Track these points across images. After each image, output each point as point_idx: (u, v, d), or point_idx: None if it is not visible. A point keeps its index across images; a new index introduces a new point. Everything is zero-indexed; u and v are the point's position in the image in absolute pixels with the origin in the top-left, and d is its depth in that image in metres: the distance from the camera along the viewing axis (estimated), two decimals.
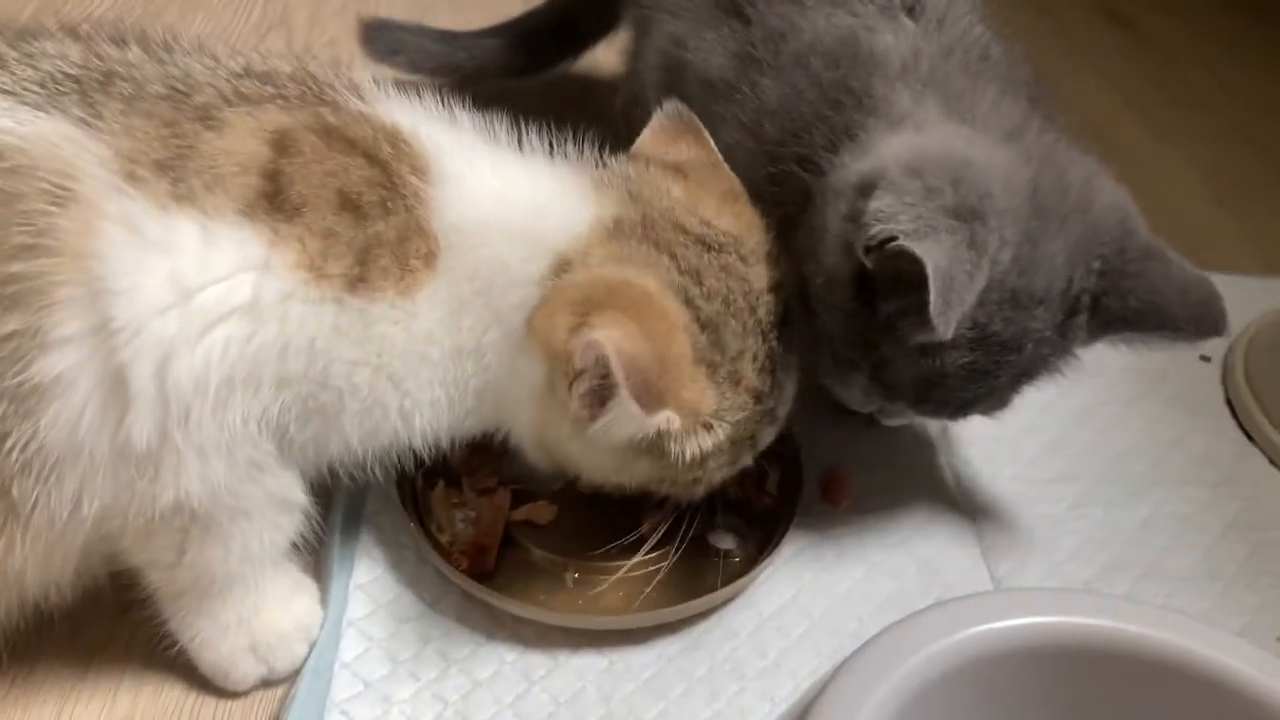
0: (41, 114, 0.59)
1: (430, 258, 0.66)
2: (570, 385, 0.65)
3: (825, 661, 0.77)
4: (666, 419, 0.65)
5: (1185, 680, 0.62)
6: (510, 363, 0.69)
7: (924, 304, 0.64)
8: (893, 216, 0.66)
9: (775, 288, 0.74)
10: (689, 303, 0.68)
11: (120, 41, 0.67)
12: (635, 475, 0.72)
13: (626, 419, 0.65)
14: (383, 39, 1.31)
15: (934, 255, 0.65)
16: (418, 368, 0.68)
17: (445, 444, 0.73)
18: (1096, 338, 0.76)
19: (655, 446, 0.68)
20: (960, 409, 0.77)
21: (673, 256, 0.69)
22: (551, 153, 0.74)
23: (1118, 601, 0.70)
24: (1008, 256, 0.70)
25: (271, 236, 0.61)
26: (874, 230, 0.67)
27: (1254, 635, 0.82)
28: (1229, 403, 1.05)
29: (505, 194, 0.69)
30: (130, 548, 0.67)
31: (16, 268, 0.56)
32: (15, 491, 0.59)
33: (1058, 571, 0.86)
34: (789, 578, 0.83)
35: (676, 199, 0.73)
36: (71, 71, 0.63)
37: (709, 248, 0.71)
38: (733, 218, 0.74)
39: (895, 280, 0.68)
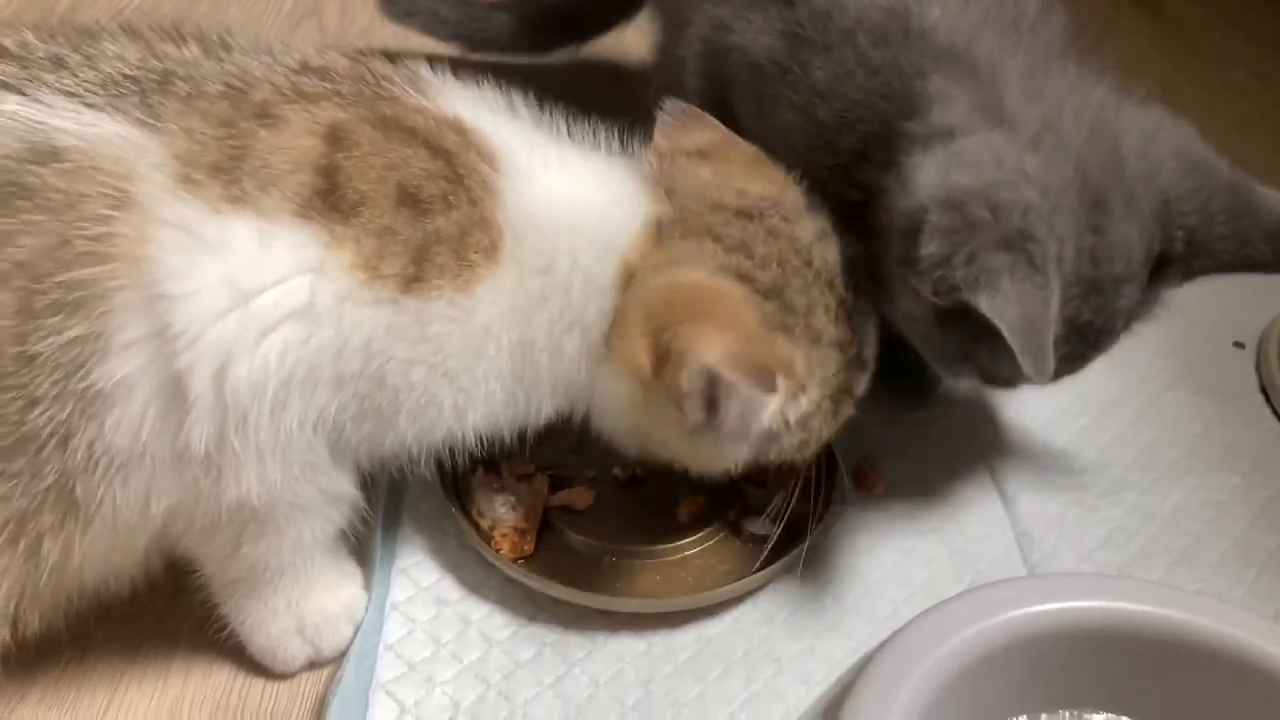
0: (102, 115, 0.60)
1: (492, 250, 0.66)
2: (680, 405, 0.66)
3: (860, 646, 0.77)
4: (778, 394, 0.67)
5: (1223, 665, 0.63)
6: (593, 368, 0.70)
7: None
8: (946, 263, 0.65)
9: (822, 236, 0.74)
10: (744, 277, 0.69)
11: (178, 40, 0.67)
12: (741, 457, 0.73)
13: (752, 407, 0.66)
14: (397, 1, 1.33)
15: (1003, 309, 0.63)
16: (473, 364, 0.68)
17: (507, 436, 0.74)
18: (1184, 283, 0.76)
19: (756, 431, 0.69)
20: (1071, 373, 0.76)
21: (716, 239, 0.70)
22: (608, 149, 0.75)
23: (1150, 586, 0.71)
24: (1071, 252, 0.69)
25: (327, 237, 0.61)
26: (934, 278, 0.66)
27: None
28: (1263, 390, 1.04)
29: (577, 193, 0.70)
30: (191, 542, 0.68)
31: (79, 273, 0.57)
32: (79, 490, 0.60)
33: (1090, 558, 0.86)
34: (824, 564, 0.84)
35: (707, 180, 0.74)
36: (131, 72, 0.63)
37: (750, 217, 0.72)
38: (764, 181, 0.75)
39: (974, 318, 0.66)
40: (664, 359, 0.65)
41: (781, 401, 0.67)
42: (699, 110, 0.80)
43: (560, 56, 1.38)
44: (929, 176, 0.70)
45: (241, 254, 0.60)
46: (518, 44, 1.34)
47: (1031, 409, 0.99)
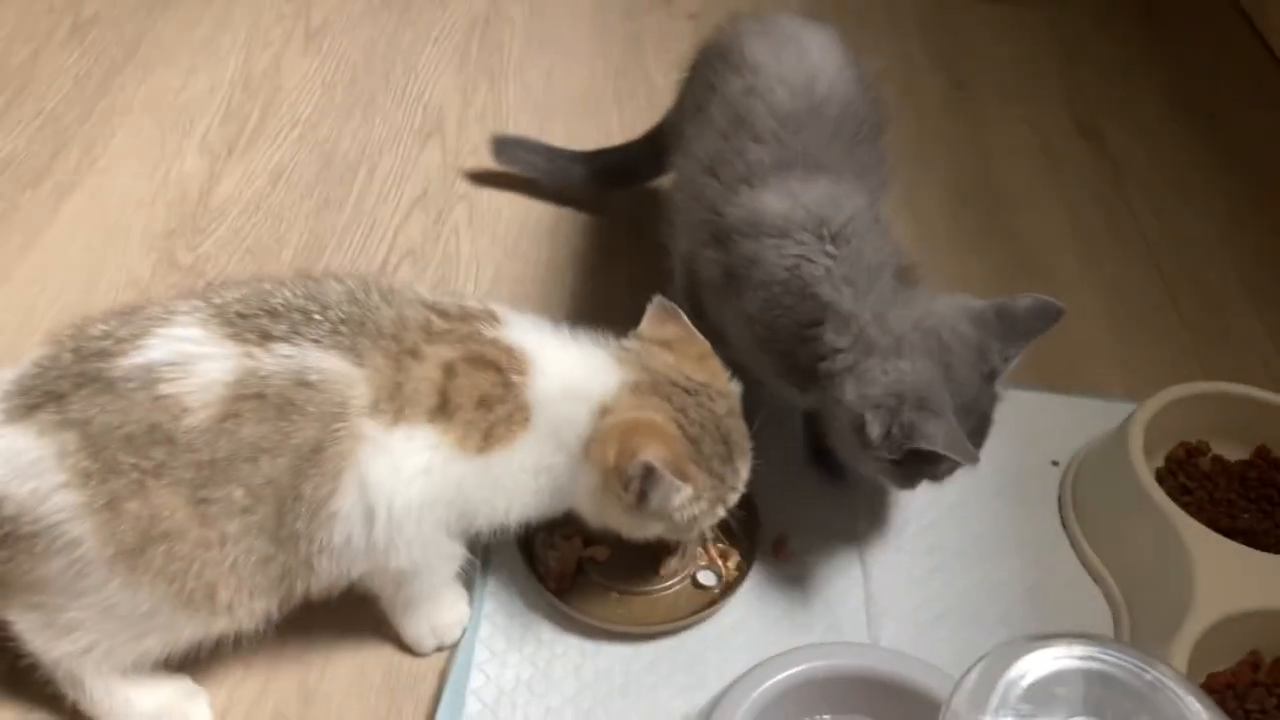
0: (329, 354, 1.00)
1: (525, 421, 1.07)
2: (625, 488, 1.06)
3: (754, 659, 1.14)
4: (689, 488, 1.07)
5: (915, 696, 1.13)
6: (571, 473, 1.10)
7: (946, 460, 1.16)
8: (888, 436, 1.14)
9: (730, 412, 1.14)
10: (680, 427, 1.09)
11: (367, 289, 1.08)
12: (653, 531, 1.14)
13: (668, 493, 1.06)
14: (505, 150, 1.87)
15: (934, 440, 1.10)
16: (514, 484, 1.09)
17: (531, 522, 1.16)
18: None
19: (666, 513, 1.09)
20: (978, 449, 1.19)
21: (669, 400, 1.10)
22: (593, 340, 1.15)
23: (879, 650, 1.22)
24: (948, 398, 1.16)
25: (441, 429, 1.03)
26: (886, 447, 1.14)
27: None
28: (1060, 500, 1.41)
29: (570, 374, 1.10)
30: (373, 585, 1.18)
31: (325, 452, 1.03)
32: (315, 564, 1.04)
33: (911, 615, 1.28)
34: (741, 606, 1.28)
35: (668, 363, 1.13)
36: (343, 316, 1.03)
37: (690, 393, 1.11)
38: (705, 372, 1.15)
39: (920, 454, 1.14)
40: (623, 456, 1.03)
41: (685, 500, 1.07)
42: (674, 307, 1.18)
43: (618, 194, 1.89)
44: (853, 395, 1.19)
45: (397, 447, 1.02)
46: (589, 185, 1.86)
47: (900, 502, 1.42)
